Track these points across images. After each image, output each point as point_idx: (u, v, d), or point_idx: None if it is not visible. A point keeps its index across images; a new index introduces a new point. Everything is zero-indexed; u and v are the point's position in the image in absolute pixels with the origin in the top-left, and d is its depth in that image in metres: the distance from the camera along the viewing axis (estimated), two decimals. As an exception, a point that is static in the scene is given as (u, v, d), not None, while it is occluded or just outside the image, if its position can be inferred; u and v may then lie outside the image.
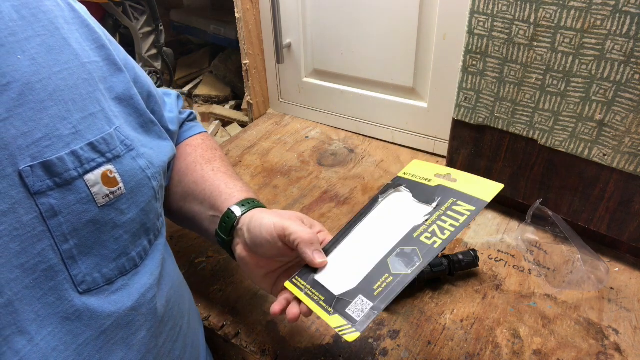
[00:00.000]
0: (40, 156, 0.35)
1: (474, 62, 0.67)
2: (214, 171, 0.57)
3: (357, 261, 0.47)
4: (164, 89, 0.61)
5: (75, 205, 0.37)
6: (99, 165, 0.38)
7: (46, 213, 0.35)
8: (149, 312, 0.43)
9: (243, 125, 1.20)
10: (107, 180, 0.39)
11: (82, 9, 0.43)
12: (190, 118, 0.65)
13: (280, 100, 1.13)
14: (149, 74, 1.07)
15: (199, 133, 0.63)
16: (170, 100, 0.60)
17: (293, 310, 0.46)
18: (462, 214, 0.45)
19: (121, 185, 0.40)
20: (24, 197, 0.35)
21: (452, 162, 0.78)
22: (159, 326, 0.45)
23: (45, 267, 0.36)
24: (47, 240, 0.36)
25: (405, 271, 0.44)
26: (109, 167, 0.39)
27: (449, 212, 0.46)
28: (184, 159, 0.59)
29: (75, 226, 0.37)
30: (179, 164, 0.58)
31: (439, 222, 0.46)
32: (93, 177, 0.38)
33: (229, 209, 0.51)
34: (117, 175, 0.39)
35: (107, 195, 0.39)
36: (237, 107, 1.30)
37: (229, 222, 0.51)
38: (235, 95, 1.35)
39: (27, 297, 0.35)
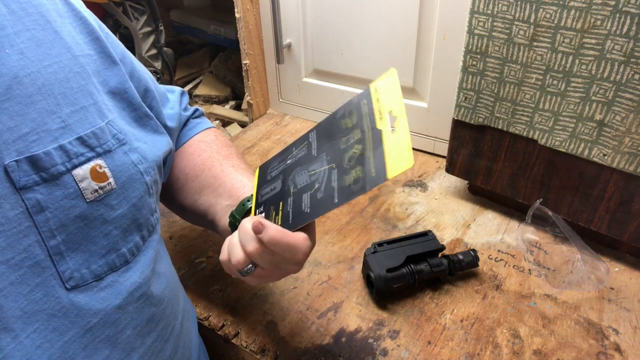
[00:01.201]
0: (27, 151, 0.35)
1: (474, 62, 0.67)
2: (234, 167, 0.57)
3: None
4: (167, 86, 0.61)
5: (62, 200, 0.36)
6: (88, 160, 0.38)
7: (32, 208, 0.35)
8: (136, 310, 0.42)
9: (243, 125, 1.20)
10: (96, 175, 0.38)
11: (77, 2, 0.43)
12: (197, 114, 0.64)
13: (280, 100, 1.13)
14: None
15: (208, 128, 0.63)
16: (173, 96, 0.59)
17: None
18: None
19: (111, 180, 0.39)
20: (10, 192, 0.34)
21: (452, 162, 0.78)
22: (146, 325, 0.44)
23: (32, 263, 0.35)
24: (33, 235, 0.35)
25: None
26: (99, 161, 0.38)
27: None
28: (198, 154, 0.58)
29: (63, 222, 0.36)
30: (193, 159, 0.58)
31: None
32: (81, 172, 0.37)
33: (251, 195, 0.51)
34: (106, 170, 0.39)
35: (96, 191, 0.38)
36: (237, 107, 1.30)
37: (247, 205, 0.50)
38: (235, 95, 1.34)
39: (13, 294, 0.35)
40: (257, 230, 0.40)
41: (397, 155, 0.37)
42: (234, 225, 0.50)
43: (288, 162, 0.48)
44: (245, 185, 0.54)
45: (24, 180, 0.35)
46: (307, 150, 0.46)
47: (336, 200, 0.39)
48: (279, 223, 0.43)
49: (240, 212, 0.50)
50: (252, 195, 0.51)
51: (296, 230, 0.41)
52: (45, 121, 0.36)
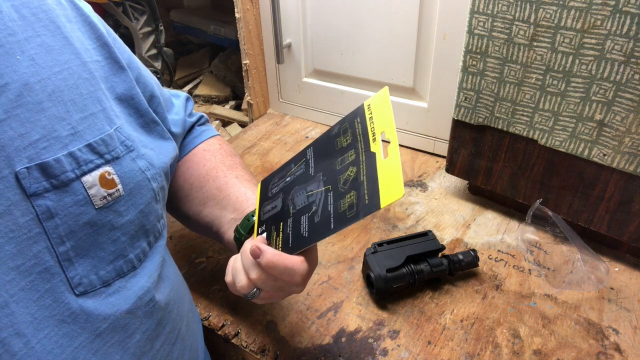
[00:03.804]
0: (37, 157, 0.35)
1: (474, 62, 0.67)
2: (237, 178, 0.57)
3: None
4: (172, 91, 0.61)
5: (72, 207, 0.36)
6: (97, 167, 0.38)
7: (42, 215, 0.35)
8: (145, 315, 0.43)
9: (243, 125, 1.20)
10: (105, 181, 0.38)
11: (87, 7, 0.43)
12: (202, 122, 0.64)
13: (280, 100, 1.13)
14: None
15: (213, 137, 0.63)
16: (178, 102, 0.59)
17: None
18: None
19: (119, 186, 0.39)
20: (20, 199, 0.34)
21: (452, 162, 0.78)
22: (155, 329, 0.44)
23: (41, 269, 0.35)
24: (43, 242, 0.35)
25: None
26: (107, 168, 0.39)
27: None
28: (203, 164, 0.58)
29: (72, 228, 0.37)
30: (198, 169, 0.58)
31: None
32: (90, 178, 0.37)
33: (255, 210, 0.51)
34: (115, 177, 0.39)
35: (105, 197, 0.38)
36: (237, 107, 1.30)
37: (252, 220, 0.50)
38: (235, 95, 1.34)
39: (23, 299, 0.35)
40: (255, 255, 0.42)
41: (390, 184, 0.37)
42: (238, 240, 0.51)
43: (287, 179, 0.49)
44: (250, 198, 0.54)
45: (34, 187, 0.35)
46: (305, 169, 0.47)
47: (332, 227, 0.40)
48: (280, 245, 0.44)
49: (245, 227, 0.51)
50: (255, 210, 0.51)
51: (296, 254, 0.43)
52: (55, 128, 0.36)
